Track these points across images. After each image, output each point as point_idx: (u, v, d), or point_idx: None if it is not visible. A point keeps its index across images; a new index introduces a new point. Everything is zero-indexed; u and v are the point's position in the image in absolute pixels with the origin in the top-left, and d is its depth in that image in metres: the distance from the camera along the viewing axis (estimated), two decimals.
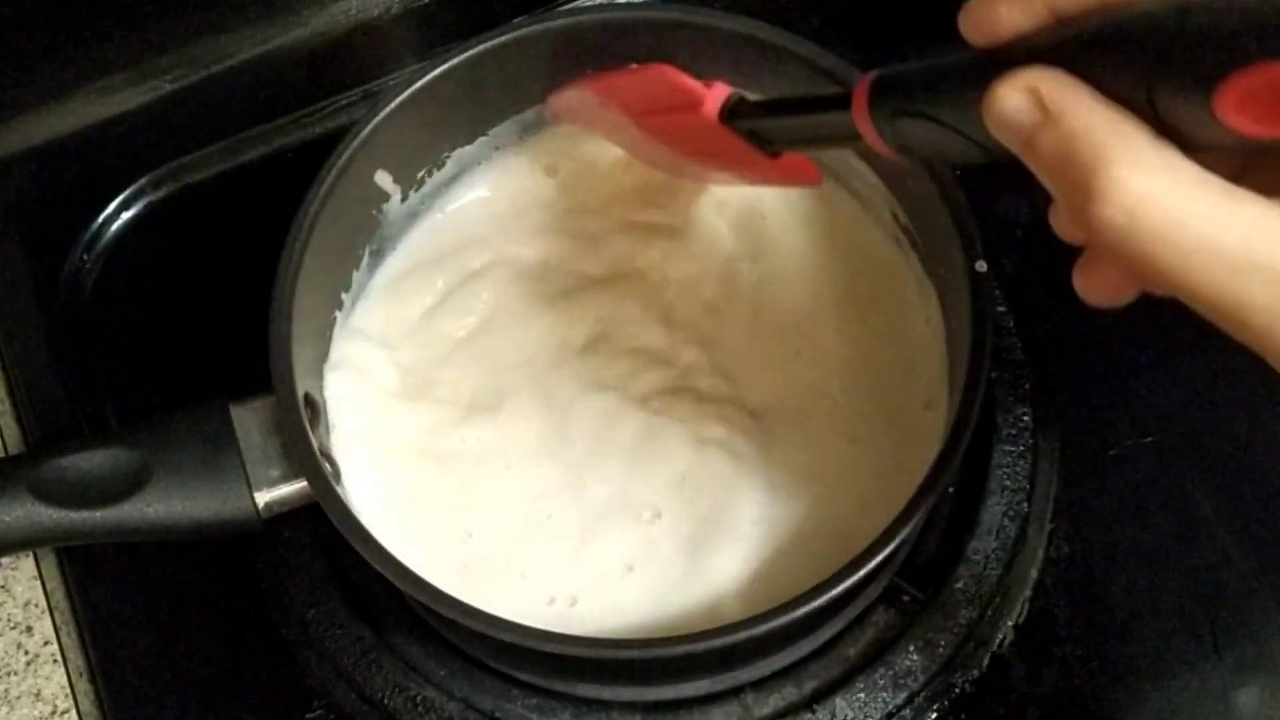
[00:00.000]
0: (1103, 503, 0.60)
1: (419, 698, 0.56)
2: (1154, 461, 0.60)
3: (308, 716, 0.57)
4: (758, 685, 0.56)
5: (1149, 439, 0.60)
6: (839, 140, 0.47)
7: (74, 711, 0.54)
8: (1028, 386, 0.60)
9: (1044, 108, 0.32)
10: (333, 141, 0.56)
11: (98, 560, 0.56)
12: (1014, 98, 0.32)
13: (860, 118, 0.42)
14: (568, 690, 0.56)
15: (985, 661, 0.57)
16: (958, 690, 0.56)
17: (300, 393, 0.52)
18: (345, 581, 0.58)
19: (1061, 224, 0.35)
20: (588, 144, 0.62)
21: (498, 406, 0.58)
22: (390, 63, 0.66)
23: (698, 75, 0.60)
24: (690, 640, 0.47)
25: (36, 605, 0.55)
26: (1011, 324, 0.61)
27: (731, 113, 0.51)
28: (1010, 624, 0.58)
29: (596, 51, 0.59)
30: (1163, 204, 0.29)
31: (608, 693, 0.56)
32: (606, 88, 0.56)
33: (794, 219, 0.61)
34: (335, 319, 0.58)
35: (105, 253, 0.65)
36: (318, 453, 0.51)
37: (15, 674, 0.54)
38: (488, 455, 0.57)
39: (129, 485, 0.50)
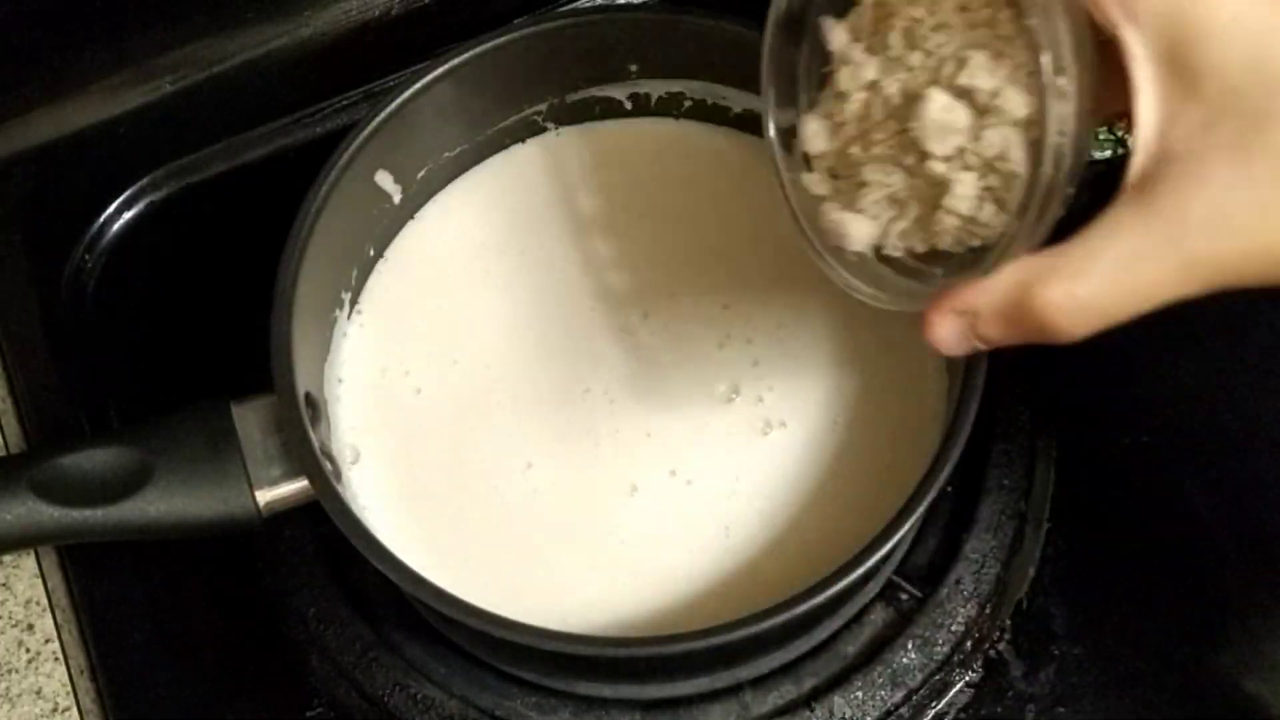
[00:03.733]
0: (1100, 502, 0.60)
1: (419, 695, 0.56)
2: (1151, 461, 0.60)
3: (308, 714, 0.57)
4: (756, 683, 0.56)
5: (1146, 438, 0.60)
6: None
7: (75, 709, 0.54)
8: (1026, 386, 0.60)
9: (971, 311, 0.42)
10: (333, 141, 0.56)
11: (99, 558, 0.56)
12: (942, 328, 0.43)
13: None
14: (567, 688, 0.56)
15: (983, 660, 0.57)
16: (955, 689, 0.57)
17: (301, 391, 0.52)
18: (346, 580, 0.58)
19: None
20: (588, 143, 0.63)
21: (501, 404, 0.58)
22: (390, 63, 0.66)
23: (695, 76, 0.60)
24: (690, 638, 0.47)
25: (38, 603, 0.55)
26: None
27: None
28: (1008, 622, 0.58)
29: (597, 52, 0.60)
30: (1069, 294, 0.39)
31: (607, 690, 0.56)
32: None
33: None
34: (336, 318, 0.59)
35: (107, 252, 0.65)
36: (318, 451, 0.51)
37: (16, 672, 0.54)
38: (490, 453, 0.57)
39: (130, 484, 0.51)
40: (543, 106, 0.62)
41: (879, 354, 0.58)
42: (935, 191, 0.42)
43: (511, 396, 0.58)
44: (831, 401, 0.57)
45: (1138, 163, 0.38)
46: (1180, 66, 0.37)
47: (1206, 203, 0.37)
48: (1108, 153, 0.66)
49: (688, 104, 0.62)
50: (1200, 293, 0.39)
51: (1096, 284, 0.39)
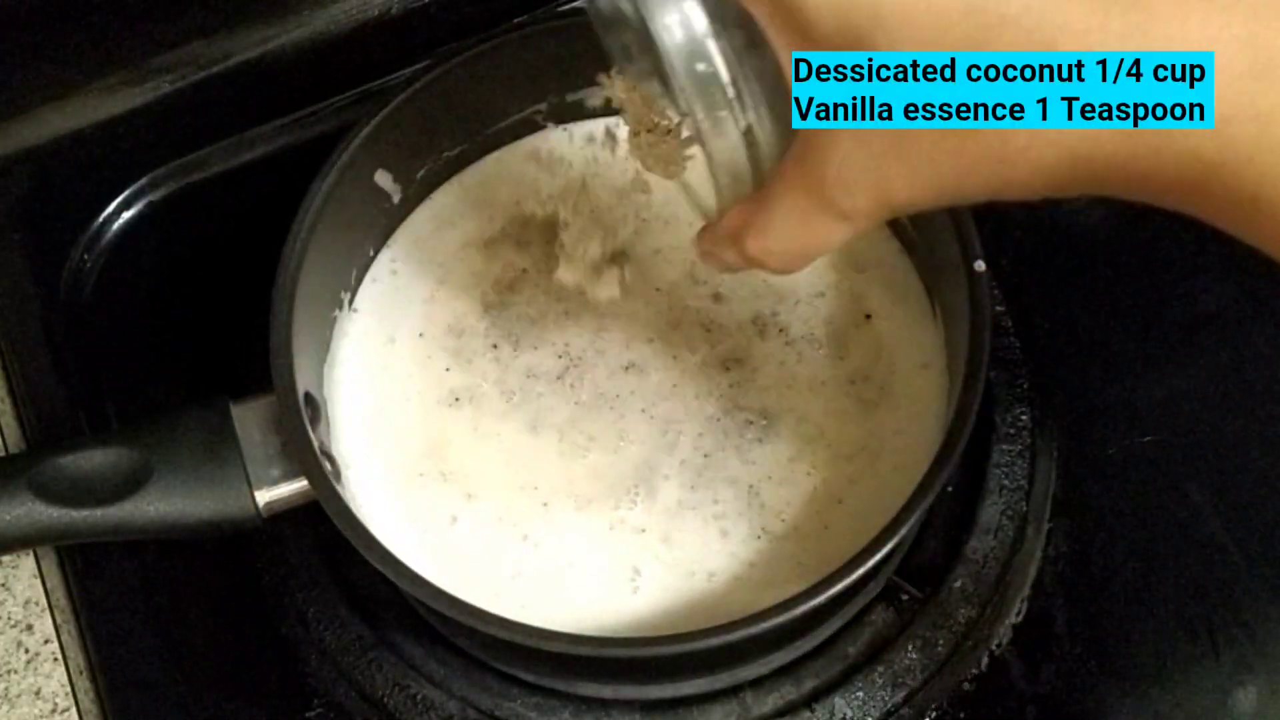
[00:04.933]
0: (1101, 502, 0.60)
1: (419, 696, 0.56)
2: (1152, 461, 0.60)
3: (308, 715, 0.57)
4: (757, 684, 0.56)
5: (1147, 438, 0.60)
6: None
7: (74, 710, 0.54)
8: (1026, 386, 0.60)
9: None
10: (333, 141, 0.56)
11: (98, 559, 0.56)
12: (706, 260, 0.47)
13: None
14: (567, 689, 0.56)
15: (984, 660, 0.57)
16: (956, 689, 0.57)
17: (300, 392, 0.52)
18: (345, 580, 0.58)
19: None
20: (588, 142, 0.63)
21: (498, 404, 0.58)
22: (390, 63, 0.66)
23: None
24: (690, 639, 0.47)
25: (37, 603, 0.55)
26: (1010, 323, 0.62)
27: None
28: (1009, 623, 0.58)
29: (597, 51, 0.60)
30: (762, 245, 0.44)
31: (607, 691, 0.56)
32: None
33: None
34: (336, 317, 0.59)
35: (106, 252, 0.65)
36: (318, 451, 0.51)
37: (15, 672, 0.54)
38: (490, 453, 0.57)
39: (130, 484, 0.50)
40: (542, 106, 0.62)
41: (880, 353, 0.58)
42: None
43: (511, 396, 0.58)
44: (832, 401, 0.57)
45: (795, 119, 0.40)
46: (793, 27, 0.38)
47: (836, 164, 0.39)
48: None
49: None
50: (878, 224, 0.42)
51: (779, 237, 0.43)
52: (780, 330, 0.58)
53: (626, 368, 0.58)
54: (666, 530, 0.55)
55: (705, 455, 0.56)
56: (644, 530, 0.55)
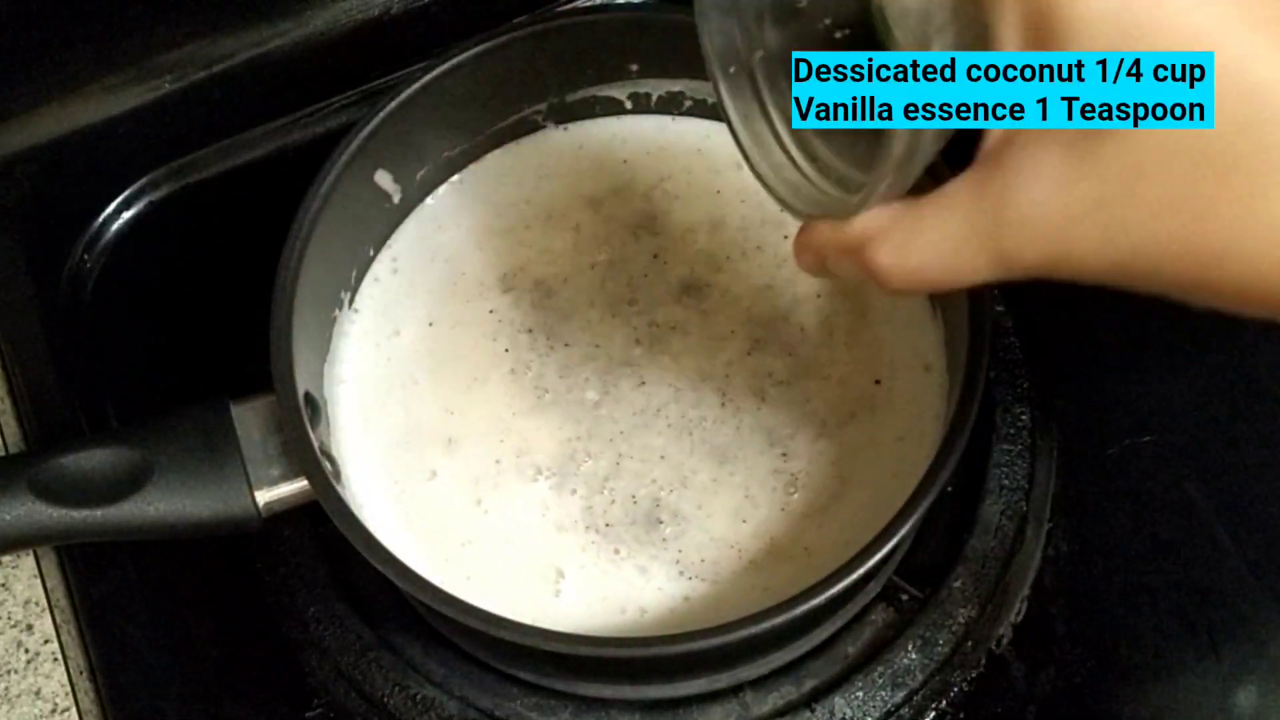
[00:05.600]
0: (1101, 502, 0.60)
1: (419, 696, 0.56)
2: (1152, 461, 0.60)
3: (308, 715, 0.57)
4: (757, 684, 0.56)
5: (1147, 438, 0.60)
6: None
7: (74, 710, 0.54)
8: (1026, 386, 0.60)
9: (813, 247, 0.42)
10: (333, 141, 0.56)
11: (98, 559, 0.56)
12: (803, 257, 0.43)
13: None
14: (567, 689, 0.56)
15: (983, 660, 0.57)
16: (956, 689, 0.57)
17: (300, 391, 0.52)
18: (345, 581, 0.58)
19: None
20: (588, 142, 0.63)
21: (501, 403, 0.58)
22: (390, 63, 0.66)
23: (695, 75, 0.60)
24: (690, 639, 0.47)
25: (37, 603, 0.55)
26: (1011, 324, 0.62)
27: None
28: (1008, 623, 0.58)
29: (597, 52, 0.60)
30: (898, 263, 0.39)
31: (607, 691, 0.56)
32: None
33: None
34: (336, 317, 0.59)
35: (106, 252, 0.65)
36: (318, 451, 0.51)
37: (15, 672, 0.54)
38: (489, 451, 0.57)
39: (130, 484, 0.50)
40: (542, 106, 0.62)
41: (881, 353, 0.58)
42: None
43: (512, 396, 0.58)
44: (833, 401, 0.57)
45: (988, 136, 0.37)
46: (1042, 28, 0.34)
47: (1024, 206, 0.35)
48: None
49: (688, 103, 0.62)
50: (1023, 279, 0.38)
51: (919, 259, 0.39)
52: (788, 439, 0.57)
53: (640, 412, 0.57)
54: (584, 541, 0.55)
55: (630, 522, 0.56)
56: (564, 529, 0.55)
